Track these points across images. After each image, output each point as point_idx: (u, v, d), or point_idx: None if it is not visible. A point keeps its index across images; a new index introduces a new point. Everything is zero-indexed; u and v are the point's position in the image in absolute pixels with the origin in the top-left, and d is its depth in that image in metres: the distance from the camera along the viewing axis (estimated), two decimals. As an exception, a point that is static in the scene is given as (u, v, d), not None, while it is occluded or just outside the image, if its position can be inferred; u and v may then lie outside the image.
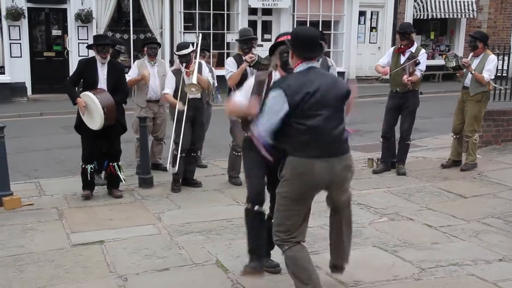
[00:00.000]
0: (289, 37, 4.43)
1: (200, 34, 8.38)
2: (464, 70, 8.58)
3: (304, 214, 4.38)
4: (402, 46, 8.59)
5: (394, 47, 9.03)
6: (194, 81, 7.38)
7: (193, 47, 7.80)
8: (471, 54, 8.93)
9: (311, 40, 4.24)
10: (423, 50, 8.63)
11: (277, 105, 4.08)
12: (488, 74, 8.53)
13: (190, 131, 7.78)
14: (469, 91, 8.63)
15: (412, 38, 8.63)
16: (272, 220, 4.45)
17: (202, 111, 7.98)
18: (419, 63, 8.42)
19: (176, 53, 7.88)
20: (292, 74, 4.28)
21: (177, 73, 7.76)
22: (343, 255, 4.72)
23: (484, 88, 8.64)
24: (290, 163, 4.19)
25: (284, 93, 4.07)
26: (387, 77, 8.80)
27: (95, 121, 7.06)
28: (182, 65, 7.71)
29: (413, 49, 8.52)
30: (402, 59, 8.51)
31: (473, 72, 8.42)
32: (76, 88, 7.60)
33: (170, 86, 7.75)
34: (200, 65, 7.80)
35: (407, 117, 8.61)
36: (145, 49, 8.82)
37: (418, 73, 8.43)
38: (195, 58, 7.72)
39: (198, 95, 7.72)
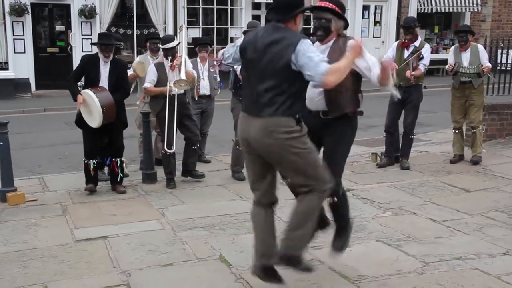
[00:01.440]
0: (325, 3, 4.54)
1: (183, 26, 8.31)
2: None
3: (256, 173, 4.39)
4: (406, 41, 8.58)
5: (397, 41, 9.02)
6: (183, 76, 7.34)
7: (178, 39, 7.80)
8: (453, 48, 8.94)
9: (275, 4, 4.34)
10: (427, 45, 8.62)
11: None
12: (489, 63, 8.69)
13: (174, 126, 7.72)
14: (472, 85, 8.62)
15: (416, 32, 8.61)
16: None
17: (187, 105, 7.86)
18: (422, 57, 8.40)
19: (161, 46, 7.82)
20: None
21: (159, 67, 7.69)
22: (285, 242, 4.31)
23: (483, 78, 8.81)
24: None
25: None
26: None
27: (94, 119, 7.06)
28: (168, 59, 7.67)
29: (417, 43, 8.50)
30: (406, 53, 8.50)
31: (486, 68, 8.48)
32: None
33: (151, 80, 7.64)
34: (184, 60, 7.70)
35: (411, 111, 8.60)
36: (148, 44, 8.81)
37: (421, 68, 8.42)
38: (184, 53, 7.66)
39: (182, 91, 7.67)
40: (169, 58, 7.66)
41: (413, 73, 8.30)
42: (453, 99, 8.92)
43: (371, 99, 14.79)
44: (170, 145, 7.67)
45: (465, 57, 8.61)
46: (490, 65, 8.65)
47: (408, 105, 8.56)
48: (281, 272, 4.93)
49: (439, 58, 21.79)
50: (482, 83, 8.81)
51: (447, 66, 8.85)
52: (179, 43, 7.73)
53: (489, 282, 4.78)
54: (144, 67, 8.38)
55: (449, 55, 8.97)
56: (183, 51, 7.66)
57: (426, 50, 8.48)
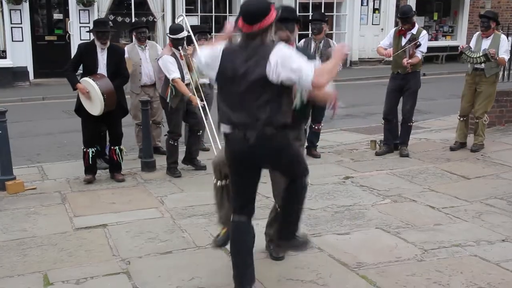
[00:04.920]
0: None
1: (183, 15, 8.22)
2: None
3: None
4: (403, 29, 8.53)
5: (395, 29, 8.95)
6: None
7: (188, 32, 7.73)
8: (477, 35, 8.84)
9: None
10: (424, 32, 8.59)
11: None
12: (507, 55, 8.60)
13: (182, 118, 7.72)
14: (484, 73, 8.54)
15: (413, 20, 8.57)
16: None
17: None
18: (420, 45, 8.37)
19: (172, 36, 7.58)
20: None
21: (175, 56, 7.57)
22: None
23: (497, 69, 8.64)
24: None
25: None
26: (391, 59, 8.74)
27: (95, 107, 7.04)
28: (178, 49, 7.54)
29: (414, 31, 8.47)
30: (404, 41, 8.46)
31: (497, 58, 8.37)
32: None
33: (176, 70, 7.44)
34: (194, 49, 7.53)
35: (409, 98, 8.57)
36: (134, 33, 8.63)
37: (419, 55, 8.40)
38: (195, 41, 7.63)
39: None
40: (179, 48, 7.56)
41: (410, 61, 8.28)
42: (465, 86, 8.87)
43: (370, 87, 14.81)
44: (178, 138, 7.73)
45: (485, 44, 8.50)
46: (505, 56, 8.48)
47: (407, 92, 8.54)
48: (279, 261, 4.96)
49: (438, 45, 21.78)
50: (495, 74, 8.66)
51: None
52: (188, 34, 7.66)
53: (488, 269, 4.79)
54: (132, 63, 8.25)
55: (471, 41, 8.88)
56: (194, 42, 7.60)
57: (424, 37, 8.45)
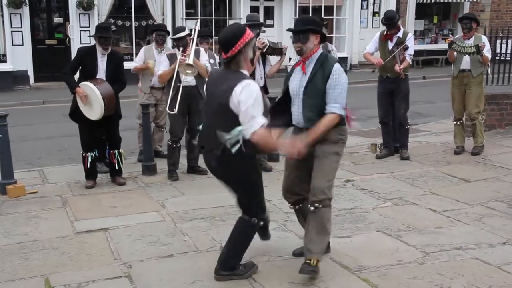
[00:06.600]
0: None
1: (199, 21, 8.28)
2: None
3: None
4: (389, 33, 8.53)
5: (379, 33, 8.89)
6: (190, 61, 7.26)
7: (191, 32, 7.73)
8: (458, 37, 8.87)
9: None
10: (410, 34, 8.61)
11: None
12: (489, 54, 8.64)
13: (183, 120, 7.70)
14: (471, 74, 8.59)
15: (399, 24, 8.58)
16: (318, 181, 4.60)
17: (198, 99, 7.61)
18: (407, 48, 8.38)
19: (172, 37, 7.84)
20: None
21: (171, 57, 7.62)
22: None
23: (482, 68, 8.71)
24: None
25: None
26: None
27: (95, 111, 7.03)
28: (179, 49, 7.58)
29: (400, 33, 8.48)
30: (390, 45, 8.48)
31: (483, 54, 8.40)
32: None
33: (163, 68, 7.65)
34: (198, 51, 7.63)
35: (402, 102, 8.57)
36: (154, 35, 8.73)
37: (408, 59, 8.44)
38: (193, 43, 7.62)
39: (193, 83, 7.59)
40: (181, 49, 7.58)
41: (401, 66, 8.29)
42: (453, 89, 8.90)
43: (370, 90, 14.77)
44: (177, 140, 7.71)
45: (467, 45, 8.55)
46: (489, 56, 8.55)
47: (398, 95, 8.54)
48: (280, 264, 4.96)
49: (437, 48, 21.72)
50: (481, 74, 8.72)
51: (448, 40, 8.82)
52: (189, 34, 7.66)
53: (490, 272, 4.79)
54: (151, 65, 8.38)
55: None
56: (193, 42, 7.60)
57: (409, 39, 8.47)
